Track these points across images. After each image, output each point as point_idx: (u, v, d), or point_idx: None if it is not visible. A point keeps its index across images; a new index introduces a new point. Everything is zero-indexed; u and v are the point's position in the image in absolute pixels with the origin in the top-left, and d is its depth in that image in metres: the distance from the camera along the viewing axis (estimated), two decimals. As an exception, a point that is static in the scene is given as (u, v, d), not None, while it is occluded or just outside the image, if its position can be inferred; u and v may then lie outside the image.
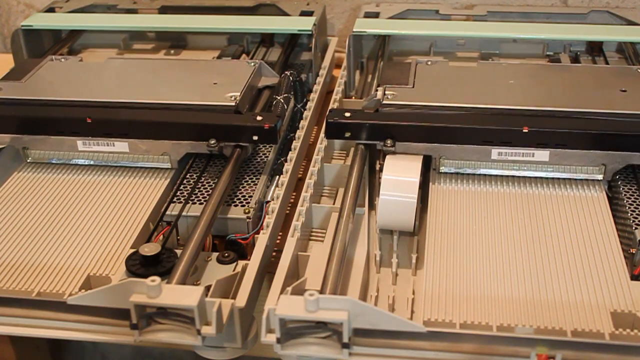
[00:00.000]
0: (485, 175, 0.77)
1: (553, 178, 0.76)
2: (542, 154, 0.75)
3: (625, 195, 0.74)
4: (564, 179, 0.76)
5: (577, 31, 1.01)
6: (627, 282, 0.63)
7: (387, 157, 0.75)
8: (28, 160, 0.83)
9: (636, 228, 0.69)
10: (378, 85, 0.83)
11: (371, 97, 0.82)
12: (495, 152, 0.76)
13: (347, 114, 0.77)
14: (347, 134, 0.77)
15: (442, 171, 0.77)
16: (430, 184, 0.76)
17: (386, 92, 0.81)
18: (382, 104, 0.79)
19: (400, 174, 0.73)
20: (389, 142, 0.76)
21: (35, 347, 1.20)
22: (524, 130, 0.74)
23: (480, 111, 0.78)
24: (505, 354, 0.56)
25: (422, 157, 0.76)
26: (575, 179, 0.76)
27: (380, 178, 0.75)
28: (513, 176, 0.77)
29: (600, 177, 0.75)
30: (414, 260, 0.70)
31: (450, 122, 0.76)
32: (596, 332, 0.58)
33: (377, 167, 0.79)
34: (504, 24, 1.05)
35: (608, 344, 0.55)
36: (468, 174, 0.77)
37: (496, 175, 0.77)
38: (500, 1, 1.17)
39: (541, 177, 0.76)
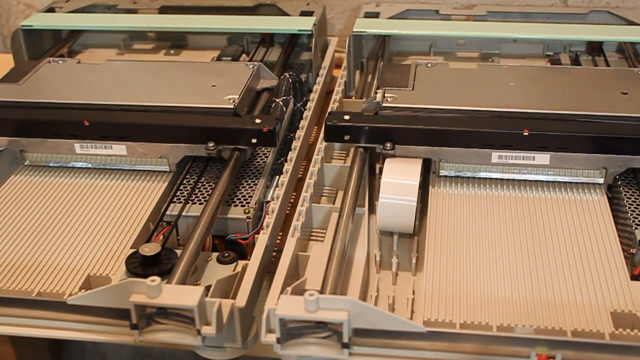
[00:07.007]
0: (485, 178, 0.77)
1: (554, 181, 0.76)
2: (543, 158, 0.74)
3: (625, 195, 0.74)
4: (565, 182, 0.75)
5: (577, 31, 1.01)
6: (627, 282, 0.63)
7: (387, 159, 0.75)
8: (25, 163, 0.82)
9: (636, 228, 0.69)
10: (378, 87, 0.83)
11: (370, 99, 0.81)
12: (495, 155, 0.75)
13: (347, 117, 0.76)
14: (347, 137, 0.76)
15: (442, 174, 0.77)
16: (430, 187, 0.76)
17: (386, 95, 0.80)
18: (382, 106, 0.79)
19: (399, 176, 0.73)
20: (388, 145, 0.75)
21: (35, 347, 1.20)
22: (525, 134, 0.73)
23: (480, 114, 0.77)
24: (505, 354, 0.56)
25: (422, 159, 0.75)
26: (576, 183, 0.75)
27: (380, 180, 0.74)
28: (513, 179, 0.76)
29: (601, 180, 0.75)
30: (414, 261, 0.70)
31: (450, 125, 0.75)
32: (596, 332, 0.58)
33: (377, 170, 0.78)
34: (504, 24, 1.05)
35: (608, 344, 0.55)
36: (468, 177, 0.77)
37: (496, 179, 0.76)
38: (500, 1, 1.17)
39: (542, 181, 0.76)
